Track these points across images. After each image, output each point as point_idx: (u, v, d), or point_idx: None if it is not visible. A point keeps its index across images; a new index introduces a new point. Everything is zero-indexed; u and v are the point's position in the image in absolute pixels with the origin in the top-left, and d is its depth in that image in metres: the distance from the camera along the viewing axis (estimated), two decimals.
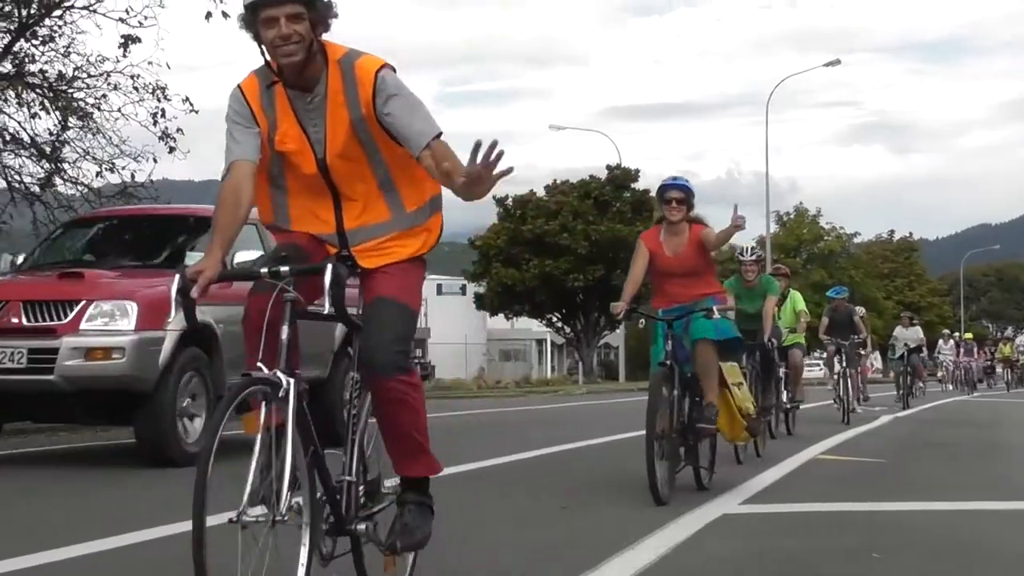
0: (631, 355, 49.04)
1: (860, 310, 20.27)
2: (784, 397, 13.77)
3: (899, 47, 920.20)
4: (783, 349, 13.66)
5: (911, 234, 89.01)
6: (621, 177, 49.47)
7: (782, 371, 13.46)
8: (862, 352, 20.10)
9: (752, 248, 13.28)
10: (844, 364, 17.52)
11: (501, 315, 52.36)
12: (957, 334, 41.00)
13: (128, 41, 17.19)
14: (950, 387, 35.80)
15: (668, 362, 7.63)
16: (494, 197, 49.39)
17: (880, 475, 9.69)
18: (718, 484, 8.09)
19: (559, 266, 46.74)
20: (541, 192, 49.84)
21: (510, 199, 49.31)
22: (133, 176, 17.89)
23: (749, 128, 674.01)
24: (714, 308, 7.72)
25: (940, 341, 37.92)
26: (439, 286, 64.48)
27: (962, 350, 37.27)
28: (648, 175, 43.72)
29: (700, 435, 7.79)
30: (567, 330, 53.34)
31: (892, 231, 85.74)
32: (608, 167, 49.98)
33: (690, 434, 7.74)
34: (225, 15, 17.04)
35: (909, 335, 24.41)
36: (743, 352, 9.70)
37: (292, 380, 3.71)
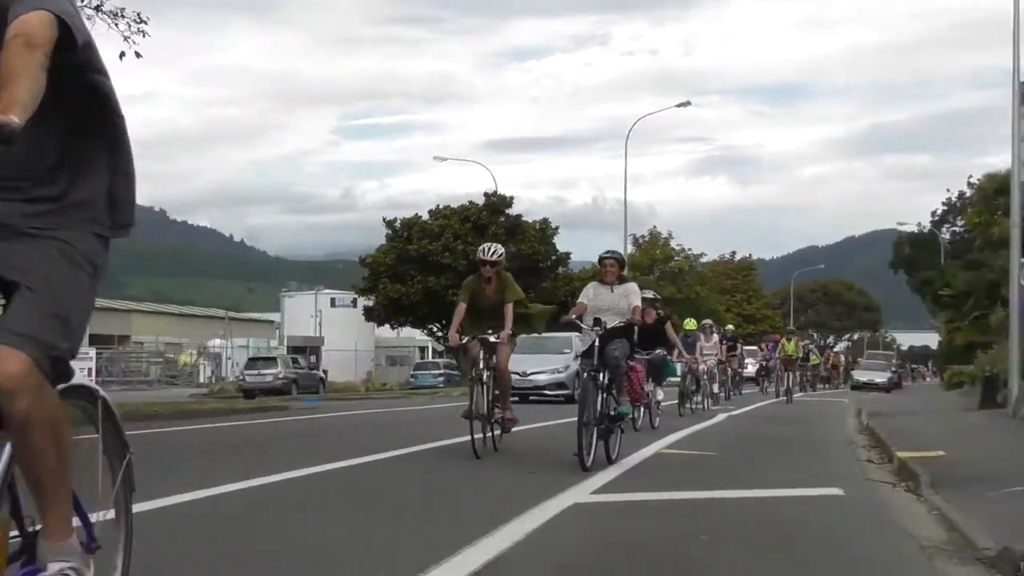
0: None
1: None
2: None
3: (744, 90, 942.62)
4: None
5: (750, 255, 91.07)
6: (497, 203, 49.65)
7: None
8: None
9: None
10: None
11: (388, 326, 52.17)
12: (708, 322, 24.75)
13: None
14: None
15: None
16: (384, 219, 49.34)
17: (713, 467, 9.99)
18: (575, 477, 8.28)
19: (441, 282, 46.71)
20: (426, 216, 49.81)
21: (398, 222, 49.26)
22: None
23: (613, 160, 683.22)
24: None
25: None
26: (332, 299, 64.03)
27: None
28: (522, 201, 44.04)
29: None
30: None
31: (734, 252, 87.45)
32: (486, 194, 50.15)
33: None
34: (138, 55, 16.84)
35: (606, 301, 10.10)
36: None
37: None
